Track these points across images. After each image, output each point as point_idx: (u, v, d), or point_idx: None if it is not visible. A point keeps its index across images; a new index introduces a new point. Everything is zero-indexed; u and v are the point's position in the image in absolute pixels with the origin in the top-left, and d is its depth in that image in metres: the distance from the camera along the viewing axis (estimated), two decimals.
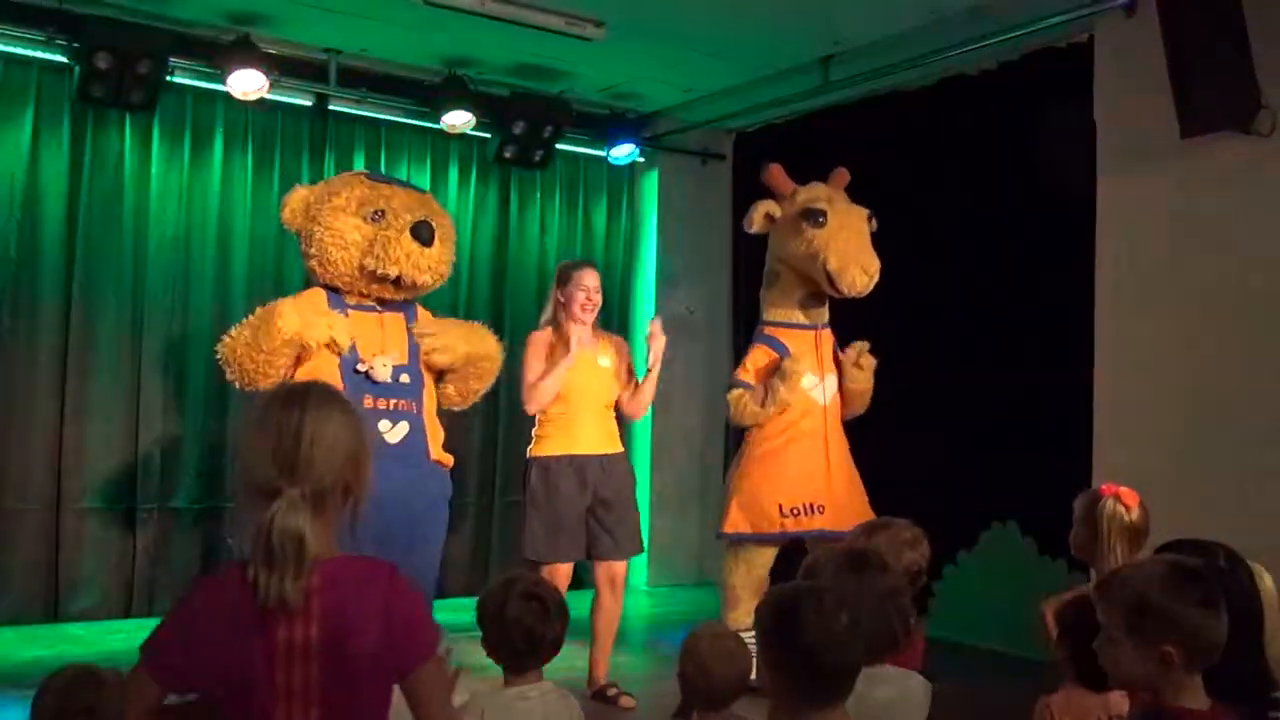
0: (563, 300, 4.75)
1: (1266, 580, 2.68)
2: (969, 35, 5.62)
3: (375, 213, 4.28)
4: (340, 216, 4.27)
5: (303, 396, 1.89)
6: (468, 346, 4.53)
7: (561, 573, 4.61)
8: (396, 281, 4.27)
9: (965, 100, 6.13)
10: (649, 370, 4.85)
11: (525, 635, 2.51)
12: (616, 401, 4.87)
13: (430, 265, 4.31)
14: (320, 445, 1.84)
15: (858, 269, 4.94)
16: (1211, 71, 4.41)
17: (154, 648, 1.87)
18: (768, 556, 5.00)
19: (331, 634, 1.81)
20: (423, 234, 4.24)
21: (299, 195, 4.41)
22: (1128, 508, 3.14)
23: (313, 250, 4.33)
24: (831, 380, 5.16)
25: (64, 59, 5.80)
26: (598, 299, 4.78)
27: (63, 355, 6.01)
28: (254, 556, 1.79)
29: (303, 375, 4.20)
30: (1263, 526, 4.36)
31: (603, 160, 7.52)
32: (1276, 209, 4.60)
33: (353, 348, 4.27)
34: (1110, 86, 5.15)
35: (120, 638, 5.62)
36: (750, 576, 4.98)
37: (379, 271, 4.22)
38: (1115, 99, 5.12)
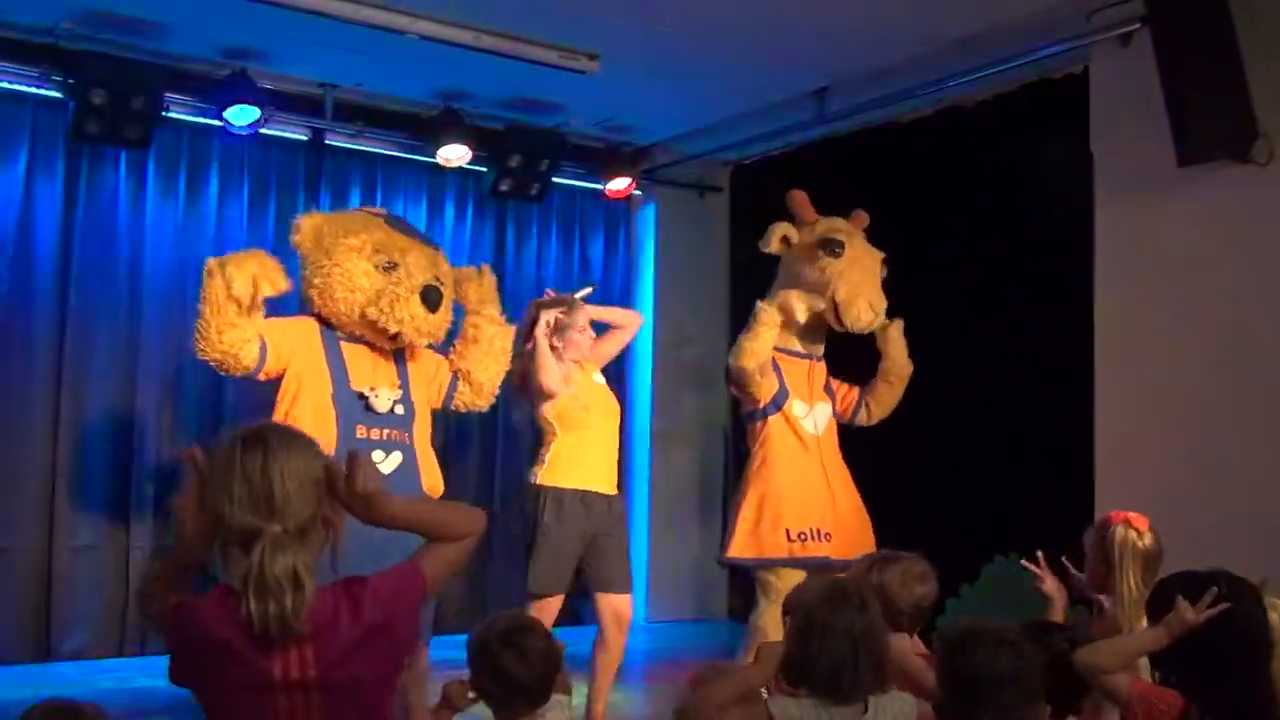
0: (559, 345, 4.68)
1: None
2: (964, 67, 5.63)
3: (389, 263, 4.24)
4: (353, 258, 4.23)
5: (263, 438, 1.90)
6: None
7: (556, 604, 4.55)
8: (394, 337, 4.25)
9: (962, 131, 6.12)
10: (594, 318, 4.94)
11: (500, 679, 2.46)
12: (622, 339, 5.06)
13: (430, 330, 4.33)
14: (291, 480, 1.85)
15: (864, 303, 5.00)
16: (1208, 101, 4.42)
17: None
18: None
19: (328, 666, 1.82)
20: (431, 299, 4.24)
21: (313, 221, 4.36)
22: (1139, 532, 3.10)
23: (317, 281, 4.28)
24: (823, 409, 5.17)
25: (59, 95, 5.78)
26: (593, 334, 4.82)
27: (56, 392, 5.96)
28: (247, 595, 1.78)
29: (285, 402, 4.16)
30: (1265, 556, 4.33)
31: (599, 193, 7.51)
32: (1274, 237, 4.58)
33: (344, 374, 4.25)
34: (1107, 117, 5.15)
35: (112, 677, 5.55)
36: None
37: (379, 324, 4.20)
38: (1112, 129, 5.12)
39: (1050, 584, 3.32)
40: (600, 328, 4.99)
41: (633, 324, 5.16)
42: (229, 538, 1.86)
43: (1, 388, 5.84)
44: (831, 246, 5.03)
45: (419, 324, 4.24)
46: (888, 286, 5.21)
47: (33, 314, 5.93)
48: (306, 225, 4.34)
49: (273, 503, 1.82)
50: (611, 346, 5.08)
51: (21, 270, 5.91)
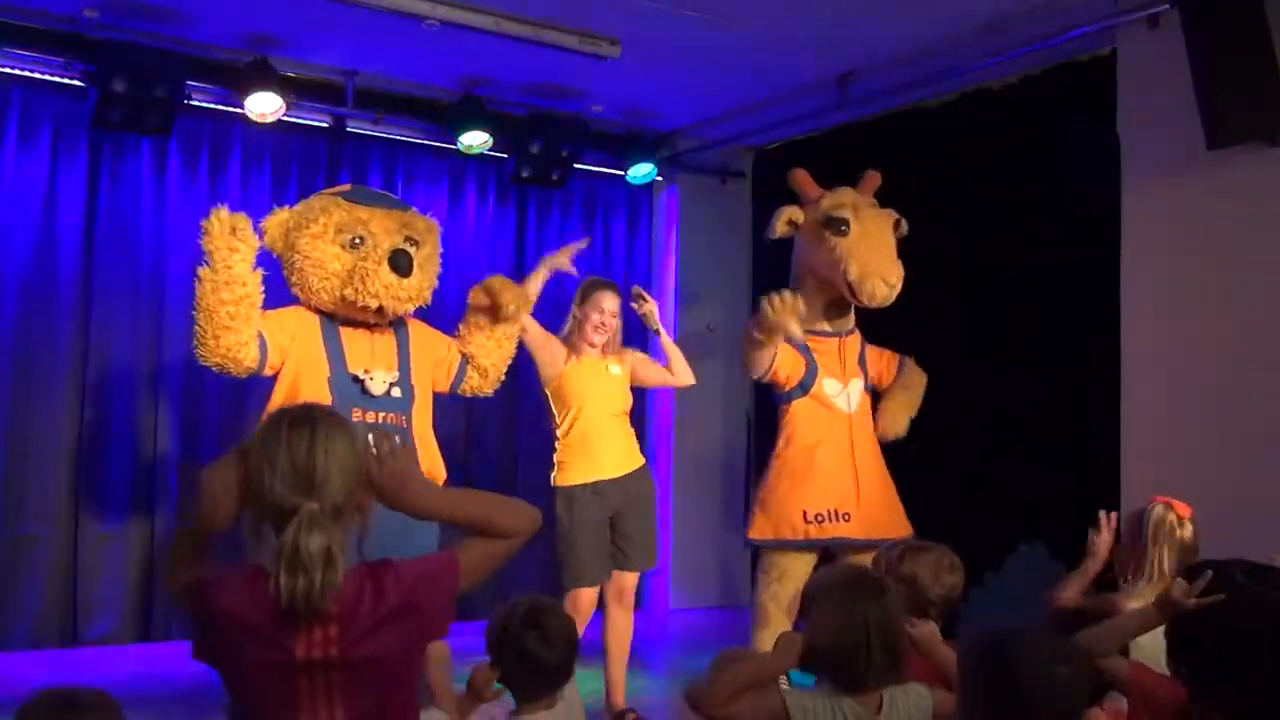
0: (579, 318, 4.76)
1: None
2: (989, 50, 5.56)
3: (354, 239, 4.22)
4: (319, 245, 4.22)
5: (312, 417, 1.95)
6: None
7: (590, 594, 4.63)
8: (379, 311, 4.25)
9: (987, 116, 6.06)
10: (659, 334, 5.02)
11: (525, 661, 2.48)
12: (665, 382, 5.12)
13: (410, 295, 4.29)
14: (334, 461, 1.90)
15: (878, 279, 4.89)
16: (1238, 82, 4.35)
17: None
18: (801, 572, 4.92)
19: (349, 645, 1.87)
20: (400, 264, 4.21)
21: (277, 220, 4.34)
22: (1180, 519, 3.07)
23: (294, 278, 4.30)
24: (856, 386, 5.11)
25: (81, 83, 5.80)
26: (613, 323, 4.78)
27: (80, 379, 6.01)
28: (278, 570, 1.82)
29: (285, 387, 4.16)
30: None
31: (621, 179, 7.48)
32: None
33: (342, 358, 4.25)
34: (1134, 99, 5.08)
35: (137, 663, 5.60)
36: (783, 593, 4.92)
37: (359, 303, 4.20)
38: (1140, 112, 5.05)
39: (1104, 542, 3.26)
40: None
41: (682, 378, 5.07)
42: (264, 513, 1.90)
43: (25, 375, 5.88)
44: (836, 225, 4.94)
45: (395, 292, 4.21)
46: (914, 271, 5.12)
47: (55, 302, 5.96)
48: (273, 225, 4.32)
49: (313, 481, 1.87)
50: (653, 377, 5.11)
51: (44, 258, 5.94)
